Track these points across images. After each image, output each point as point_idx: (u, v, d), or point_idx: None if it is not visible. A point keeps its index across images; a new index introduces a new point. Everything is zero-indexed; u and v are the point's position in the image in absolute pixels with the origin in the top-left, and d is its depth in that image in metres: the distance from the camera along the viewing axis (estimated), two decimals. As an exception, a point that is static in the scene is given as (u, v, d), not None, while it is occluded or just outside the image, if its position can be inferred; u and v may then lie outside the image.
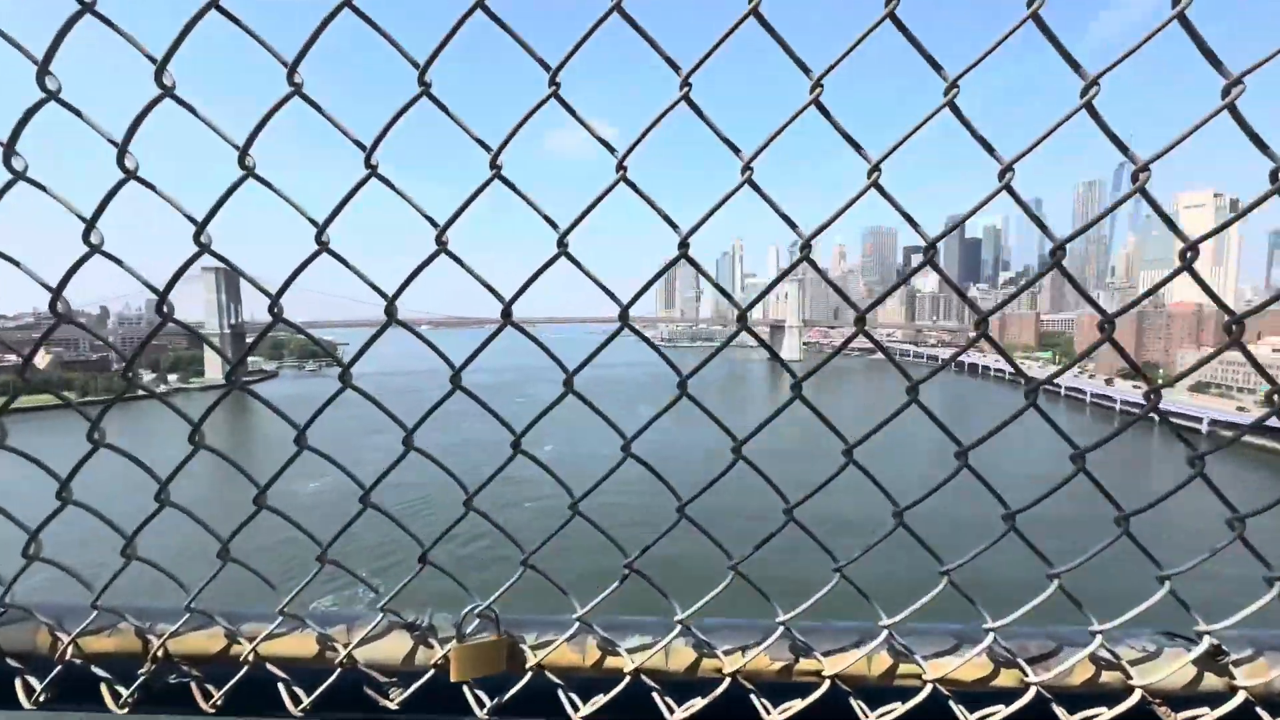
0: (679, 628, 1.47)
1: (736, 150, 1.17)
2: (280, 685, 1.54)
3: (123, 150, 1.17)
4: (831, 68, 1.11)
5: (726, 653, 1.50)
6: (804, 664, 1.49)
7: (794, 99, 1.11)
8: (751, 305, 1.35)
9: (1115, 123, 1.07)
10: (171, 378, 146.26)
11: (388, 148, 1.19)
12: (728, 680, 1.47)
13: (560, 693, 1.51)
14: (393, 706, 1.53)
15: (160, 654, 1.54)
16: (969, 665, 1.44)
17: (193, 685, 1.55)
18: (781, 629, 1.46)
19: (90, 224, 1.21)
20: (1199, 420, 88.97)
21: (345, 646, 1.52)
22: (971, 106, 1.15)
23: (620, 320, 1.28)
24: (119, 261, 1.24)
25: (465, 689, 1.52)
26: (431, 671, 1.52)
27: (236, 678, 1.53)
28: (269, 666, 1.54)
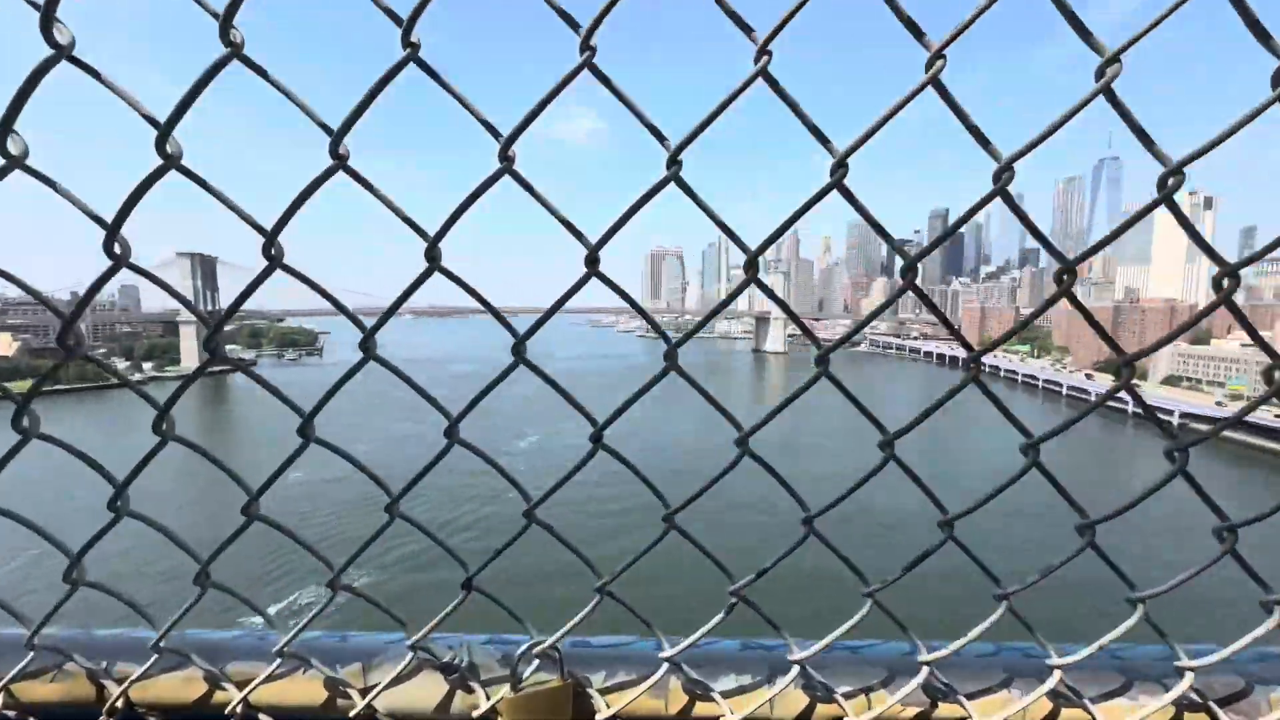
0: (795, 669, 1.16)
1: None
2: (278, 742, 1.21)
3: (48, 18, 0.81)
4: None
5: (847, 696, 1.19)
6: (945, 710, 1.19)
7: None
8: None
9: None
10: (146, 366, 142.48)
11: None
12: (853, 733, 1.17)
13: (637, 748, 1.20)
14: (423, 767, 1.20)
15: (121, 703, 1.20)
16: (1153, 714, 1.15)
17: (163, 744, 1.22)
18: (926, 670, 1.16)
19: None
20: (1170, 413, 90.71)
21: (362, 693, 1.19)
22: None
23: (747, 275, 0.96)
24: (48, 181, 0.88)
25: (517, 745, 1.20)
26: (475, 724, 1.19)
27: (221, 735, 1.19)
28: (264, 719, 1.21)
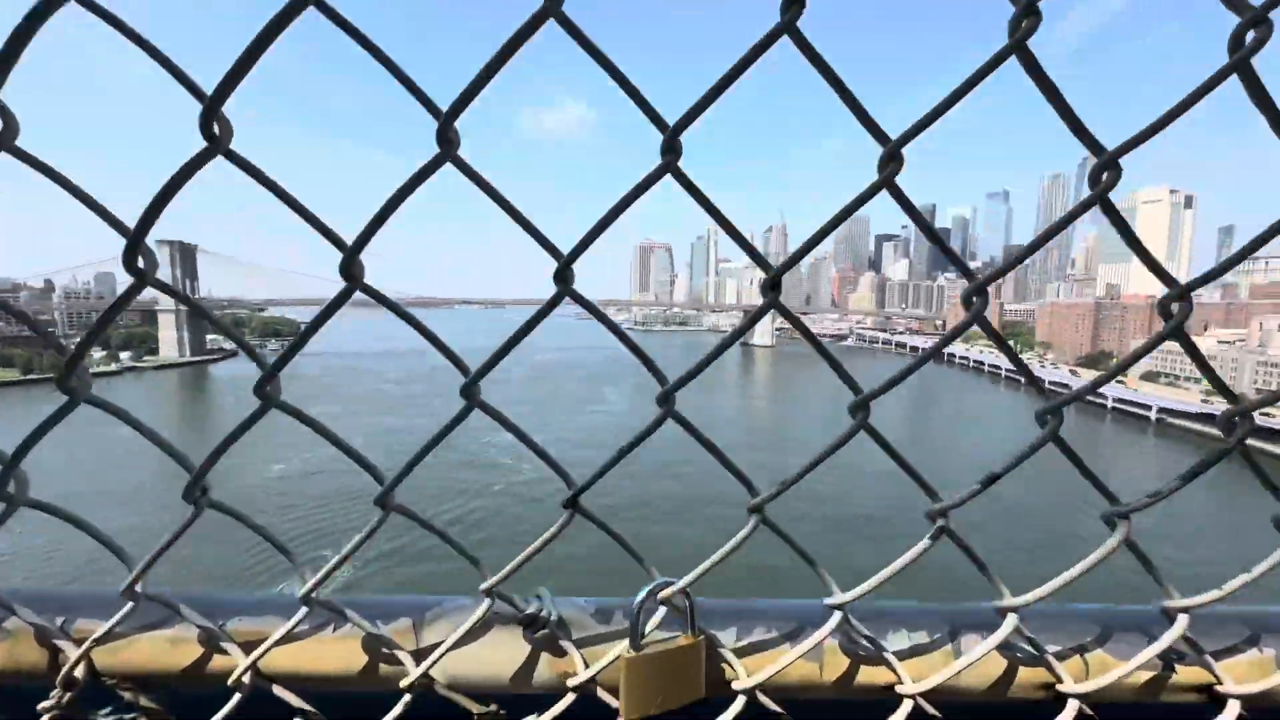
0: (1010, 620, 0.87)
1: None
2: (300, 724, 0.90)
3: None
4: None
5: (1061, 656, 0.91)
6: (1185, 674, 0.91)
7: None
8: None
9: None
10: (124, 355, 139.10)
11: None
12: (1073, 705, 0.88)
13: (784, 729, 0.90)
14: (495, 755, 0.90)
15: (81, 671, 0.87)
16: None
17: (142, 727, 0.90)
18: (1184, 621, 0.87)
19: None
20: (1148, 408, 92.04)
21: (415, 656, 0.88)
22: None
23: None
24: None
25: (624, 725, 0.90)
26: (569, 699, 0.89)
27: (222, 714, 0.88)
28: (280, 693, 0.89)
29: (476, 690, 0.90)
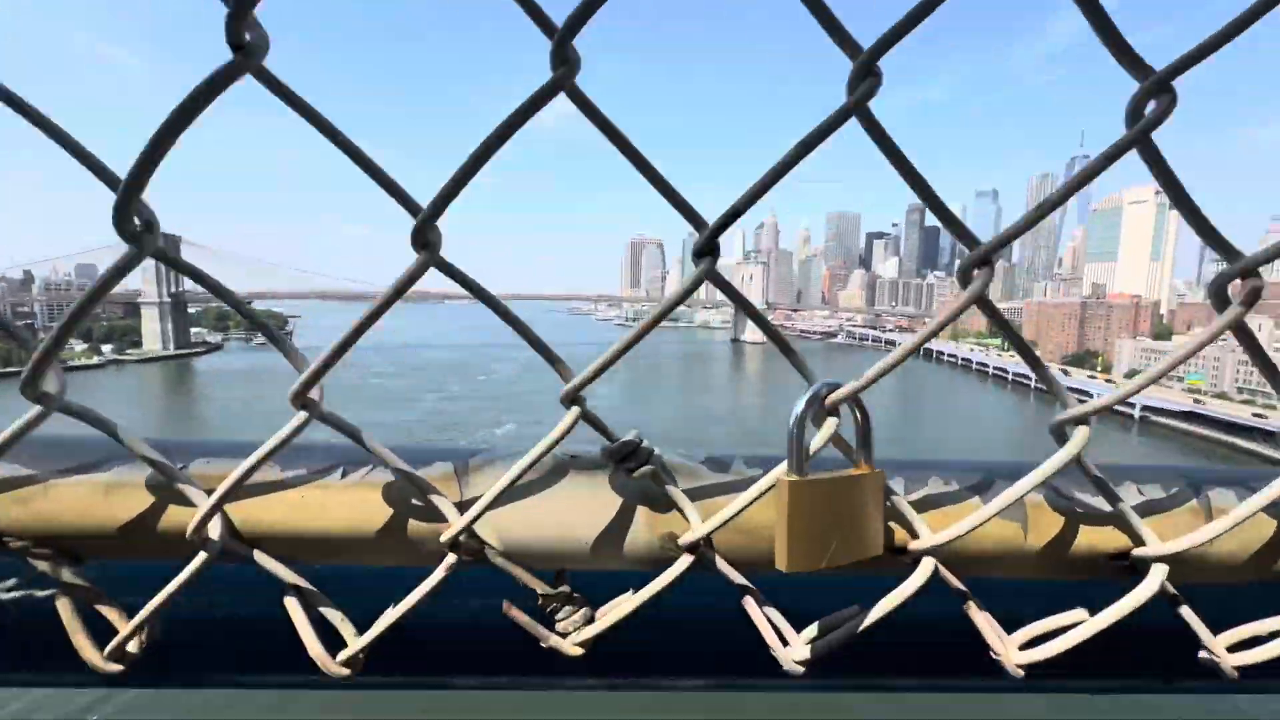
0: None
1: None
2: (294, 605, 0.63)
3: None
4: None
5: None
6: None
7: None
8: None
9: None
10: (105, 348, 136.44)
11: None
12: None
13: (972, 608, 0.65)
14: (568, 649, 0.63)
15: (-25, 532, 0.60)
16: None
17: (62, 609, 0.62)
18: None
19: None
20: (1132, 406, 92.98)
21: (460, 508, 0.62)
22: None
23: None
24: None
25: (752, 605, 0.64)
26: (684, 563, 0.63)
27: (179, 580, 0.61)
28: (263, 561, 0.62)
29: (542, 560, 0.63)
